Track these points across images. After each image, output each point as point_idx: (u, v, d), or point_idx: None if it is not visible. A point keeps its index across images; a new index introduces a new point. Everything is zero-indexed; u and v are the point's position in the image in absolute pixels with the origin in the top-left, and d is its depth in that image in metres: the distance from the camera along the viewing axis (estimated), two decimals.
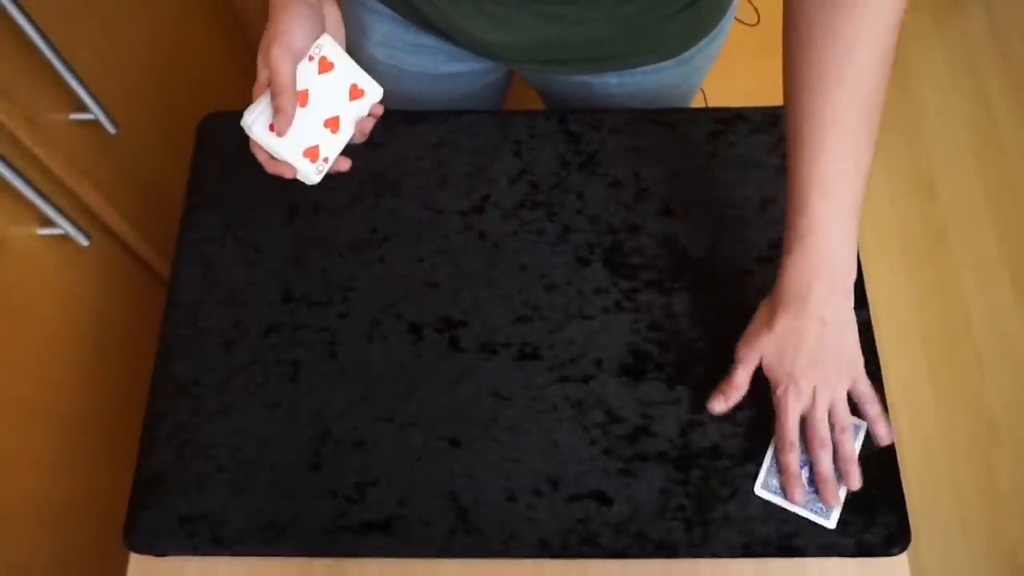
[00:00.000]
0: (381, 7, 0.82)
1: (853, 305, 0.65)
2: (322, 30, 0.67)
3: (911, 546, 0.67)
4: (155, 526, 0.68)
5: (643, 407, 0.71)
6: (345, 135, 0.68)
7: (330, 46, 0.66)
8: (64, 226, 0.78)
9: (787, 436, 0.66)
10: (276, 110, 0.64)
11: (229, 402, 0.72)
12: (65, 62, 0.76)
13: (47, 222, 0.78)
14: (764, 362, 0.67)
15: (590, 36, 0.76)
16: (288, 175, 0.68)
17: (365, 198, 0.80)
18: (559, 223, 0.78)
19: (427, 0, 0.75)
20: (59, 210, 0.77)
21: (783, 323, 0.65)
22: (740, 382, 0.68)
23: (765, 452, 0.69)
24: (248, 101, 0.66)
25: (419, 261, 0.77)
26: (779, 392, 0.66)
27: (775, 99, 0.89)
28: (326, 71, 0.65)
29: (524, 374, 0.72)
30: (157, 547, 0.69)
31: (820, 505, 0.67)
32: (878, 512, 0.68)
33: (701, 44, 0.82)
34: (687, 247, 0.77)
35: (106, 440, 0.96)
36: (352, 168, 0.73)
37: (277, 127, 0.64)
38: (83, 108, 0.81)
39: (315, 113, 0.67)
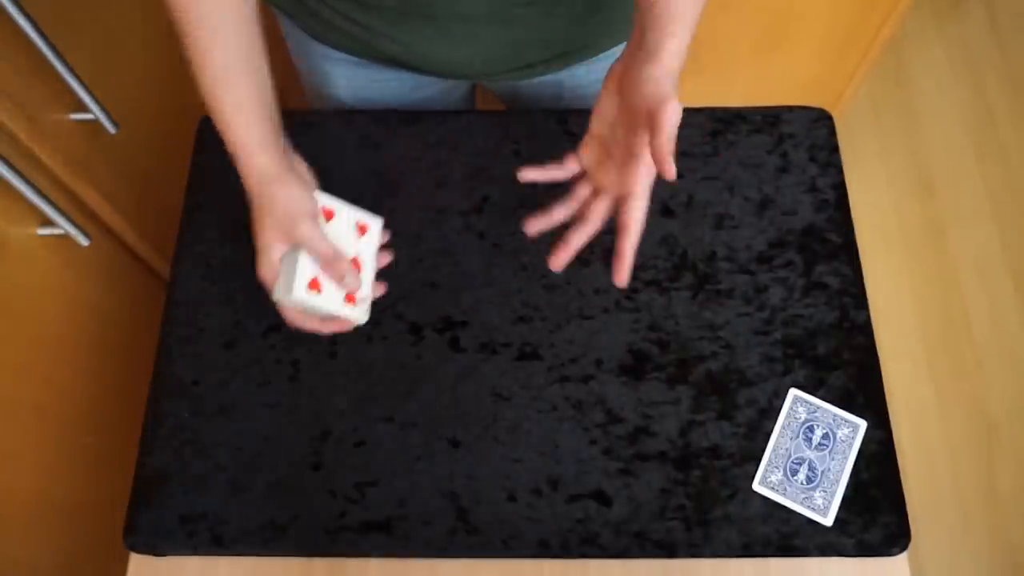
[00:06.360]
0: (338, 54, 0.82)
1: None
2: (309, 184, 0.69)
3: (911, 546, 0.67)
4: (155, 526, 0.68)
5: (643, 407, 0.71)
6: (369, 269, 0.70)
7: (323, 196, 0.68)
8: (64, 226, 0.78)
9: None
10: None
11: (229, 402, 0.72)
12: (65, 62, 0.76)
13: (47, 222, 0.78)
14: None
15: (553, 31, 0.75)
16: (346, 328, 0.70)
17: (365, 198, 0.80)
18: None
19: (384, 37, 0.75)
20: (59, 210, 0.77)
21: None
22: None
23: (764, 452, 0.69)
24: None
25: (419, 261, 0.77)
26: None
27: (775, 99, 0.89)
28: (331, 219, 0.68)
29: (524, 374, 0.72)
30: (157, 547, 0.69)
31: (818, 502, 0.67)
32: (878, 512, 0.68)
33: None
34: (687, 247, 0.77)
35: (106, 440, 0.96)
36: (352, 168, 0.73)
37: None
38: (83, 108, 0.81)
39: None
